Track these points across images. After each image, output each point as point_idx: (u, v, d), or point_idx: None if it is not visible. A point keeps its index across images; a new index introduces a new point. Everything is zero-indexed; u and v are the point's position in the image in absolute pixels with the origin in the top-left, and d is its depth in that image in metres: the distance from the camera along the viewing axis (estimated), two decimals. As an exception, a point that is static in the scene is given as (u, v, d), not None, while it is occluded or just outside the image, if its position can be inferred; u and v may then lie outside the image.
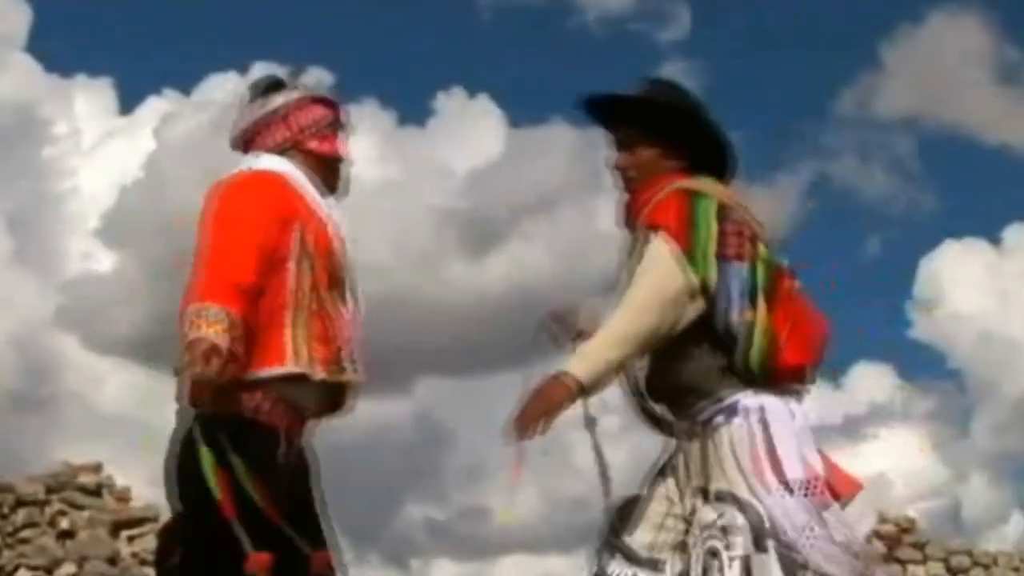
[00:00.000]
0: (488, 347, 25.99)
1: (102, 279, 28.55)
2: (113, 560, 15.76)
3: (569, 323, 3.92)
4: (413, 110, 41.22)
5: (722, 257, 3.54)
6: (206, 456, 3.56)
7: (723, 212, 3.60)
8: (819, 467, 3.57)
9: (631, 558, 3.58)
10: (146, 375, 34.23)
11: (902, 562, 18.76)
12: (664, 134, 3.71)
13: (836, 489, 3.58)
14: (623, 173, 3.77)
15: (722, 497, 3.51)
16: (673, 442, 3.71)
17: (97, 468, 16.55)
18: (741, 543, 3.46)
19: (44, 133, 32.07)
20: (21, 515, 15.87)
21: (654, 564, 3.57)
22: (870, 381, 33.35)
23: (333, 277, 3.73)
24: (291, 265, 3.65)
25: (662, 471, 3.70)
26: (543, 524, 21.16)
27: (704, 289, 3.52)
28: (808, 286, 3.77)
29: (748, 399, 3.55)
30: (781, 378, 3.59)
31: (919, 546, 18.92)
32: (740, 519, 3.47)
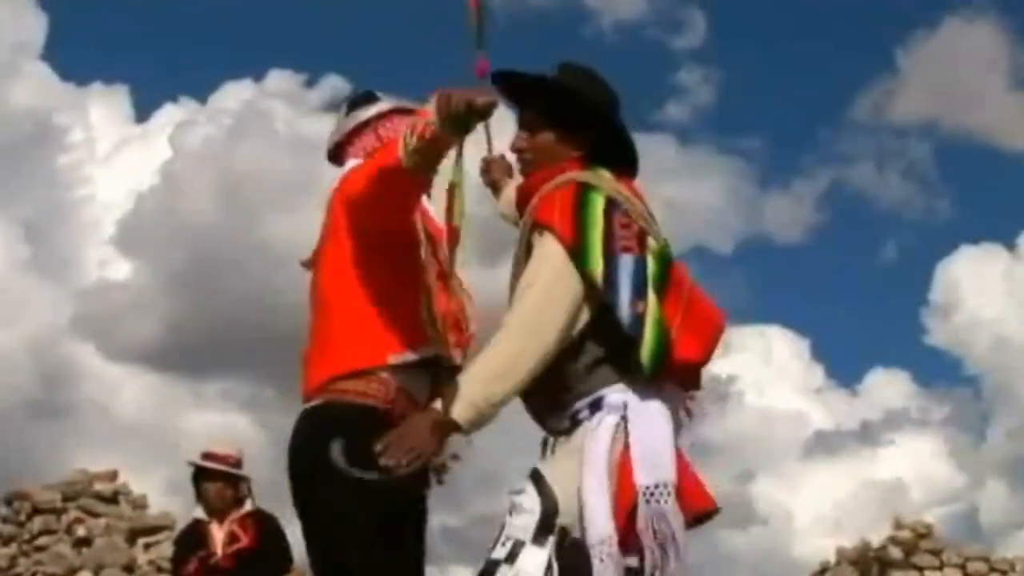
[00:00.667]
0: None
1: (118, 287, 28.68)
2: (130, 568, 15.78)
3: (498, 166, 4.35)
4: (427, 117, 41.07)
5: (610, 251, 3.41)
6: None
7: (612, 205, 3.48)
8: (671, 475, 3.34)
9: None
10: (162, 382, 34.40)
11: (919, 568, 18.70)
12: (564, 119, 3.61)
13: (685, 503, 3.37)
14: (520, 155, 3.69)
15: (533, 476, 3.39)
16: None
17: (113, 476, 16.59)
18: (521, 525, 3.32)
19: (60, 141, 32.23)
20: (38, 523, 15.91)
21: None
22: (886, 387, 33.35)
23: (443, 267, 3.80)
24: (421, 251, 3.79)
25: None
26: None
27: (593, 285, 3.39)
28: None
29: (615, 394, 3.40)
30: (673, 373, 3.42)
31: (936, 552, 18.85)
32: (532, 501, 3.34)
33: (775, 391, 34.30)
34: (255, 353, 29.49)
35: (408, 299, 3.72)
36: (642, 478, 3.32)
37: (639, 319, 3.36)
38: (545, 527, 3.31)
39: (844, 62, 40.39)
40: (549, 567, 3.28)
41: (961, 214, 37.49)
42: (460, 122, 3.24)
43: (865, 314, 38.85)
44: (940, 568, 18.77)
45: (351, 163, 3.90)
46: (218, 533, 7.58)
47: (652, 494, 3.31)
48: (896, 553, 18.76)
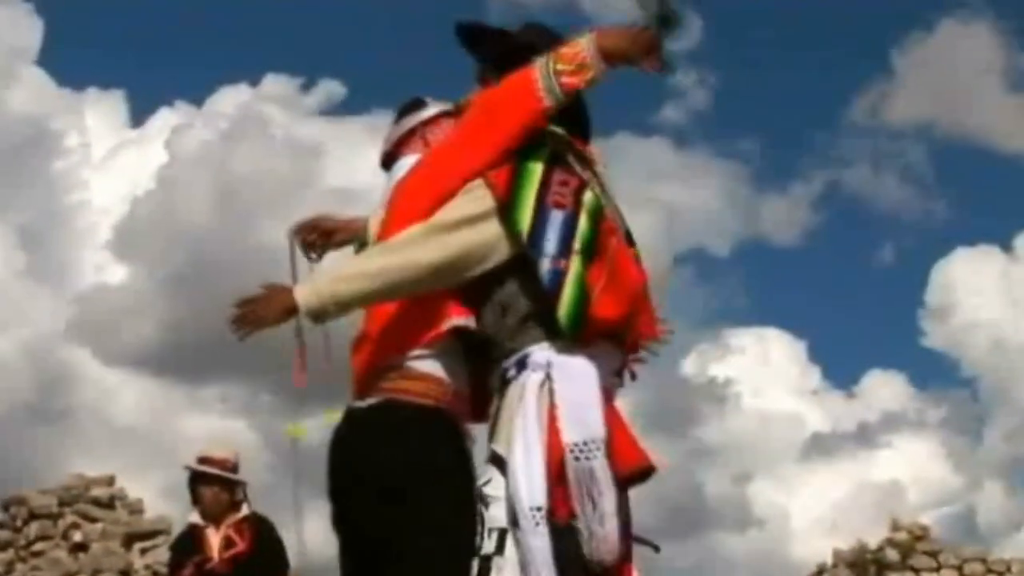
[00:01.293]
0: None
1: (114, 291, 28.67)
2: (126, 572, 15.78)
3: (322, 228, 3.90)
4: (424, 121, 41.10)
5: (541, 205, 3.39)
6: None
7: (554, 159, 3.47)
8: (600, 432, 3.29)
9: None
10: (158, 387, 34.38)
11: (916, 570, 18.73)
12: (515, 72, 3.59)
13: (619, 462, 3.31)
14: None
15: (494, 459, 3.35)
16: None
17: (110, 480, 16.58)
18: (499, 515, 3.29)
19: (55, 146, 32.19)
20: (34, 528, 15.90)
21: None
22: (883, 389, 33.38)
23: None
24: None
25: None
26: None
27: (516, 236, 3.38)
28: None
29: (539, 353, 3.37)
30: (592, 332, 3.37)
31: (933, 553, 18.88)
32: (500, 487, 3.31)
33: (772, 393, 34.38)
34: (251, 357, 29.50)
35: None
36: (569, 435, 3.28)
37: (559, 276, 3.34)
38: (514, 507, 3.29)
39: (840, 64, 40.46)
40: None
41: (957, 216, 37.60)
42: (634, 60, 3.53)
43: (862, 316, 38.92)
44: (937, 569, 18.79)
45: (406, 160, 3.86)
46: (214, 538, 7.57)
47: (581, 451, 3.27)
48: (893, 555, 18.79)
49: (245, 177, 31.07)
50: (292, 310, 3.37)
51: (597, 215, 3.46)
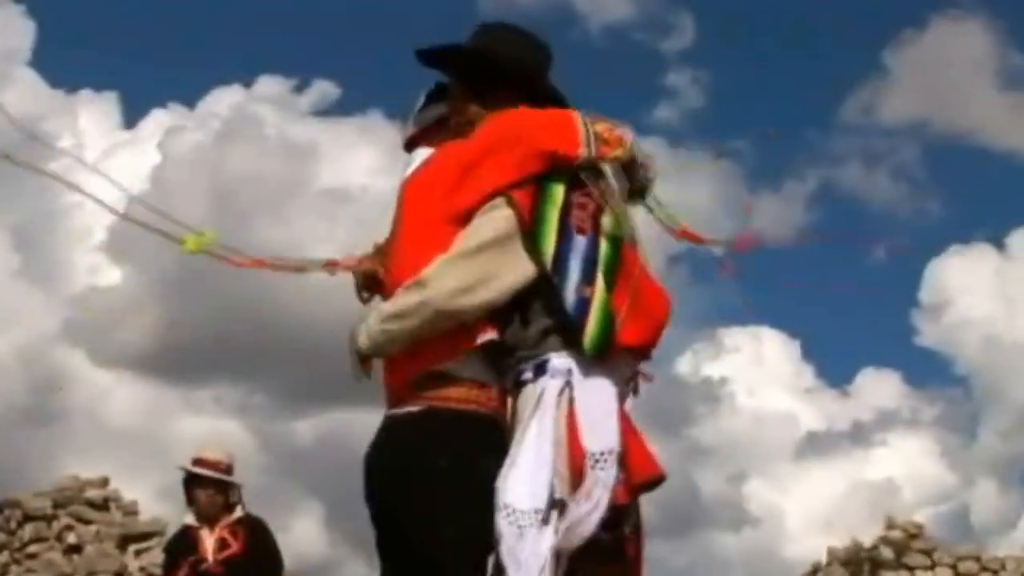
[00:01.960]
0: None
1: (108, 293, 28.60)
2: (121, 574, 15.76)
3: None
4: (417, 121, 41.09)
5: (564, 230, 3.40)
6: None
7: (572, 182, 3.47)
8: (616, 443, 3.33)
9: None
10: (152, 389, 34.35)
11: (910, 568, 18.73)
12: (485, 88, 3.63)
13: (633, 471, 3.36)
14: (458, 125, 3.70)
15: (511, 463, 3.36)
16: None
17: (104, 482, 16.55)
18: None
19: (48, 148, 32.07)
20: (29, 530, 15.87)
21: None
22: (877, 387, 33.41)
23: None
24: None
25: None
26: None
27: (541, 260, 3.39)
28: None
29: (559, 359, 3.39)
30: (616, 354, 3.41)
31: (927, 552, 18.88)
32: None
33: (766, 392, 34.39)
34: (246, 359, 29.50)
35: None
36: (589, 444, 3.32)
37: (585, 304, 3.36)
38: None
39: (833, 63, 40.47)
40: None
41: (951, 214, 37.59)
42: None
43: (856, 315, 38.94)
44: (931, 568, 18.79)
45: (422, 152, 3.83)
46: (208, 539, 7.57)
47: (597, 461, 3.31)
48: (887, 553, 18.79)
49: (239, 178, 31.08)
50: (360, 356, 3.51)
51: (618, 241, 3.48)
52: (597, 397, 3.38)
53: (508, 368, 3.47)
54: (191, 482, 7.67)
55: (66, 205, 31.29)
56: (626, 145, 3.53)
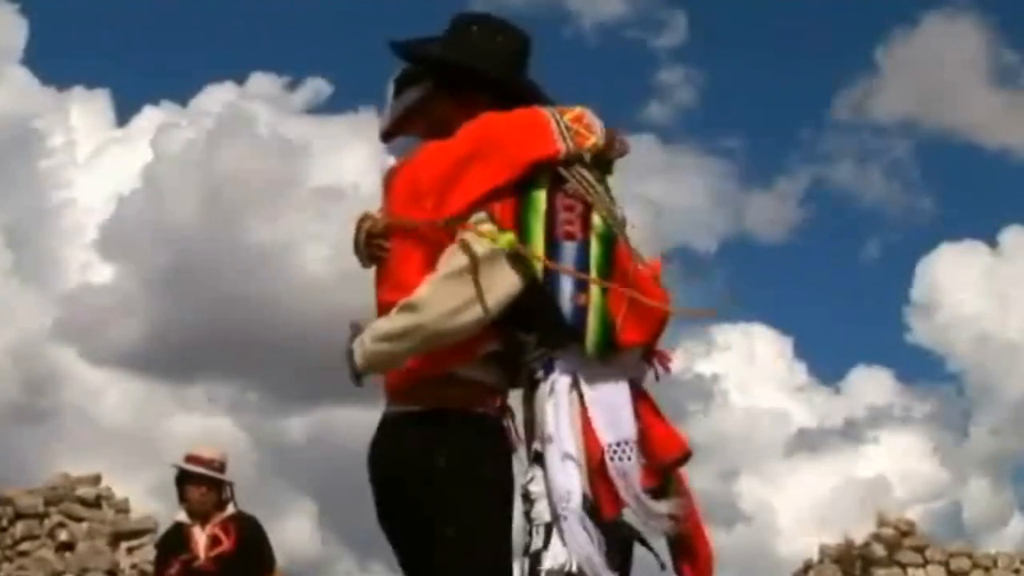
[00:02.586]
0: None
1: (100, 291, 28.57)
2: (113, 572, 15.75)
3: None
4: (410, 118, 41.09)
5: (552, 238, 3.36)
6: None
7: (555, 184, 3.41)
8: (632, 432, 3.34)
9: None
10: (145, 386, 34.30)
11: (903, 565, 18.77)
12: (461, 87, 3.60)
13: (657, 452, 3.37)
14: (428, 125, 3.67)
15: (535, 458, 3.36)
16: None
17: (96, 480, 16.54)
18: (545, 509, 3.31)
19: (40, 145, 32.07)
20: (20, 528, 15.86)
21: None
22: (869, 385, 33.43)
23: None
24: None
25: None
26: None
27: (529, 272, 3.34)
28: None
29: (565, 355, 3.37)
30: (619, 354, 3.40)
31: (919, 549, 18.93)
32: (542, 483, 3.33)
33: (758, 390, 34.37)
34: (238, 356, 29.48)
35: None
36: (605, 436, 3.32)
37: (582, 312, 3.34)
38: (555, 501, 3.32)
39: (824, 61, 40.51)
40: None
41: (943, 212, 37.64)
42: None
43: (848, 312, 38.95)
44: (923, 565, 18.84)
45: (402, 143, 3.79)
46: (200, 536, 7.58)
47: (615, 452, 3.31)
48: (880, 550, 18.83)
49: (231, 176, 31.01)
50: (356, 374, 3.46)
51: (609, 238, 3.43)
52: (608, 388, 3.38)
53: (521, 370, 3.47)
54: (183, 479, 7.67)
55: (58, 203, 31.31)
56: (598, 132, 3.50)
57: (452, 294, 3.34)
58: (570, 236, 3.39)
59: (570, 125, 3.49)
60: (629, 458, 3.32)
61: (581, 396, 3.36)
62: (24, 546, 15.78)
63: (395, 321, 3.38)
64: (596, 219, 3.44)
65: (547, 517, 3.32)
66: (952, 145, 38.80)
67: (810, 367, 36.65)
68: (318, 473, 28.04)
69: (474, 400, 3.49)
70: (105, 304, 28.30)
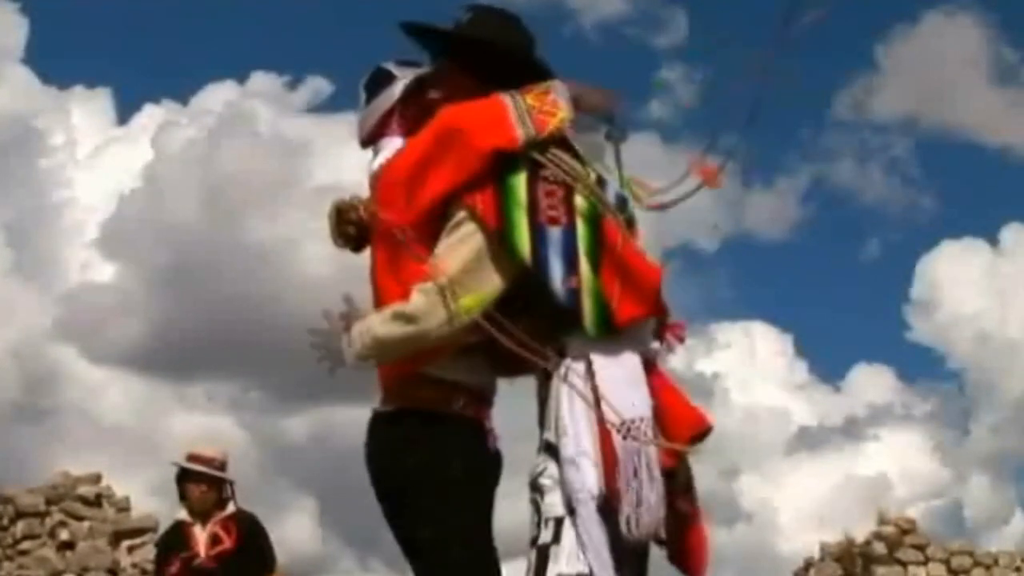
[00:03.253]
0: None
1: (101, 289, 28.57)
2: (113, 571, 15.74)
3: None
4: (410, 117, 41.08)
5: (536, 225, 3.35)
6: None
7: (533, 170, 3.39)
8: (647, 411, 3.33)
9: None
10: (145, 385, 34.31)
11: (903, 563, 18.76)
12: (479, 70, 3.57)
13: (678, 429, 3.37)
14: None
15: (547, 448, 3.35)
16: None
17: (97, 479, 16.53)
18: (555, 502, 3.30)
19: (41, 144, 32.08)
20: (21, 526, 15.85)
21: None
22: (870, 383, 33.43)
23: None
24: None
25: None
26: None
27: (519, 263, 3.33)
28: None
29: (576, 340, 3.37)
30: (620, 332, 3.39)
31: (920, 547, 18.91)
32: (555, 475, 3.32)
33: (759, 388, 34.39)
34: (239, 355, 29.47)
35: None
36: (616, 416, 3.29)
37: (575, 295, 3.33)
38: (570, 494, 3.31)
39: (825, 59, 40.45)
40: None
41: (943, 210, 37.63)
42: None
43: (848, 310, 38.96)
44: (924, 563, 18.83)
45: (387, 142, 3.77)
46: (201, 534, 7.58)
47: (629, 430, 3.29)
48: (880, 548, 18.82)
49: (232, 175, 31.02)
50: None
51: (595, 218, 3.41)
52: (620, 369, 3.36)
53: (506, 360, 3.45)
54: (184, 478, 7.68)
55: (58, 202, 31.30)
56: (562, 108, 3.45)
57: (446, 305, 3.34)
58: (554, 221, 3.37)
59: (532, 107, 3.45)
60: (642, 434, 3.29)
61: (595, 379, 3.34)
62: (25, 545, 15.77)
63: (391, 328, 3.38)
64: (579, 200, 3.42)
65: (558, 512, 3.31)
66: (952, 143, 38.89)
67: (811, 365, 36.70)
68: (318, 472, 28.08)
69: (446, 399, 3.50)
70: (105, 303, 28.34)
